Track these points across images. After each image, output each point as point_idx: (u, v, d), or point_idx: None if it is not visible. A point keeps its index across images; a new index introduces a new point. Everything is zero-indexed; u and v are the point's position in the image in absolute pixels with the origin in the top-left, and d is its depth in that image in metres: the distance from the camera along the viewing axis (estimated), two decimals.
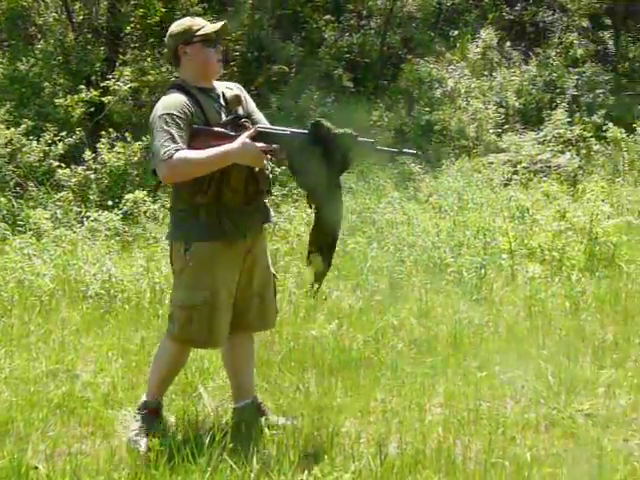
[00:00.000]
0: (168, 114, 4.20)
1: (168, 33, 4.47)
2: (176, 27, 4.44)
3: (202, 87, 4.40)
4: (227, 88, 4.51)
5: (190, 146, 4.17)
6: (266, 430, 4.37)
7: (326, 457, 4.15)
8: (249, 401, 4.66)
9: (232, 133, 4.26)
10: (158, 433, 4.31)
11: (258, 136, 4.23)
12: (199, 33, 4.37)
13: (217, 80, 4.52)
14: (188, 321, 4.35)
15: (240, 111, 4.44)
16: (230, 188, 4.27)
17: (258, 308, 4.57)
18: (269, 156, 4.28)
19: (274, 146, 4.24)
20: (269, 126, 4.44)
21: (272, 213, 4.67)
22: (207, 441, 4.09)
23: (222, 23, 4.47)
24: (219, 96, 4.45)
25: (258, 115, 4.54)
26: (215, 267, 4.32)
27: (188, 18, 4.54)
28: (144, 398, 4.56)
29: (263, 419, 4.58)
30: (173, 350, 4.51)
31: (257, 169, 4.32)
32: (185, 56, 4.41)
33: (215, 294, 4.32)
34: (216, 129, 4.29)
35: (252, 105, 4.58)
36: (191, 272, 4.33)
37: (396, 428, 4.53)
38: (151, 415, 4.49)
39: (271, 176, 4.54)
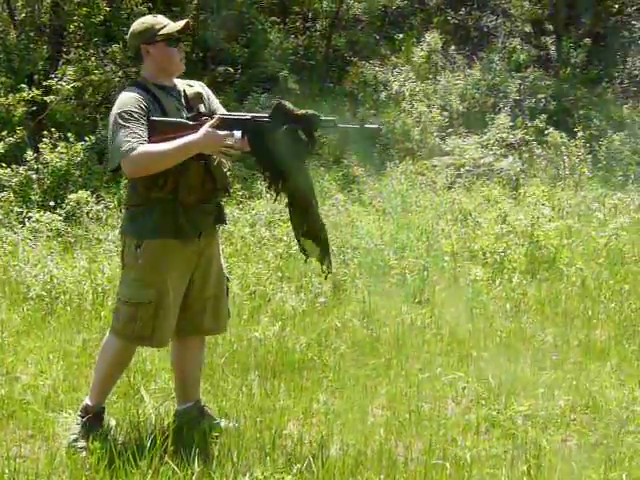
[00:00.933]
0: (125, 111, 4.17)
1: (130, 31, 4.44)
2: (138, 25, 4.41)
3: (162, 85, 4.38)
4: (188, 86, 4.50)
5: (150, 139, 4.14)
6: (208, 432, 4.36)
7: (268, 459, 4.14)
8: (192, 404, 4.64)
9: (191, 123, 4.23)
10: (99, 436, 4.27)
11: (221, 124, 4.21)
12: (161, 32, 4.34)
13: (179, 78, 4.51)
14: (132, 318, 4.31)
15: (202, 108, 4.42)
16: (187, 184, 4.24)
17: (213, 311, 4.56)
18: (232, 150, 4.23)
19: (236, 133, 4.19)
20: (231, 113, 4.40)
21: (226, 216, 4.64)
22: (148, 444, 4.06)
23: (185, 21, 4.45)
24: (180, 94, 4.43)
25: (223, 111, 4.50)
26: (165, 266, 4.29)
27: (150, 16, 4.50)
28: (86, 401, 4.51)
29: (205, 422, 4.56)
30: (117, 346, 4.45)
31: (215, 164, 4.30)
32: (147, 55, 4.38)
33: (162, 293, 4.29)
34: (174, 119, 4.25)
35: (215, 102, 4.57)
36: (140, 269, 4.29)
37: (338, 430, 4.54)
38: (93, 419, 4.43)
39: (229, 174, 4.50)
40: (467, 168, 13.31)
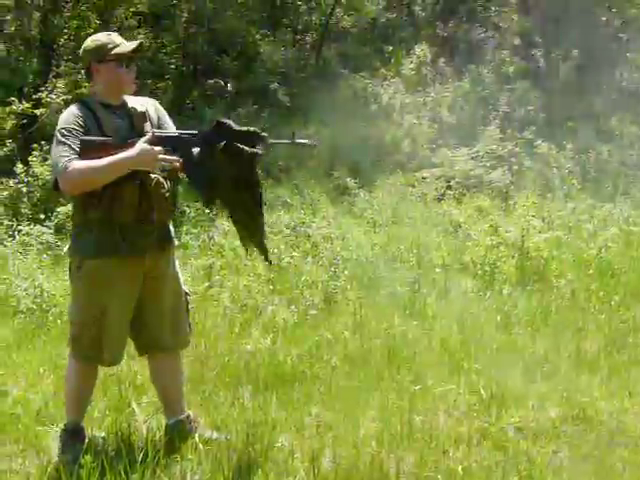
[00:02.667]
0: (64, 128, 4.18)
1: (83, 47, 4.42)
2: (91, 42, 4.39)
3: (108, 104, 4.35)
4: (140, 104, 4.46)
5: (79, 159, 4.12)
6: (200, 445, 4.35)
7: (260, 472, 4.14)
8: (181, 417, 4.64)
9: (115, 142, 4.21)
10: (89, 450, 4.25)
11: (154, 141, 4.22)
12: (113, 52, 4.32)
13: (134, 95, 4.48)
14: (79, 337, 4.35)
15: (147, 128, 4.37)
16: (122, 203, 4.23)
17: (171, 327, 4.56)
18: (168, 165, 4.24)
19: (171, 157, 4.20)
20: (163, 131, 4.40)
21: (173, 235, 4.59)
22: (140, 457, 4.05)
23: (138, 42, 4.46)
24: (126, 113, 4.39)
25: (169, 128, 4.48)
26: (107, 285, 4.29)
27: (104, 34, 4.45)
28: (65, 420, 4.53)
29: (197, 434, 4.55)
30: (74, 367, 4.48)
31: (153, 184, 4.26)
32: (97, 73, 4.36)
33: (105, 313, 4.30)
34: (97, 138, 4.21)
35: (167, 121, 4.53)
36: (82, 289, 4.33)
37: (330, 442, 4.54)
38: (72, 437, 4.43)
39: (169, 194, 4.39)
40: (457, 180, 13.34)
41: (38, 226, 9.57)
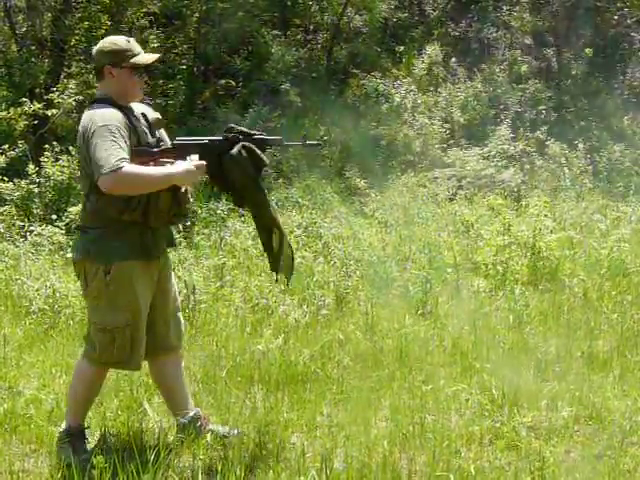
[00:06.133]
0: (112, 125, 4.15)
1: (99, 47, 4.41)
2: (109, 45, 4.38)
3: (125, 106, 4.38)
4: (145, 109, 4.51)
5: None
6: (211, 445, 4.36)
7: (271, 472, 4.14)
8: (191, 415, 4.64)
9: (154, 150, 4.34)
10: (102, 451, 4.26)
11: (179, 150, 4.37)
12: (131, 61, 4.34)
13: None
14: (110, 343, 4.33)
15: (162, 134, 4.50)
16: (157, 209, 4.27)
17: (175, 327, 4.63)
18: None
19: (193, 157, 4.32)
20: (187, 138, 4.52)
21: (174, 237, 4.76)
22: (152, 458, 4.06)
23: (156, 56, 4.50)
24: (141, 117, 4.44)
25: (166, 139, 4.54)
26: (135, 287, 4.32)
27: (124, 39, 4.43)
28: (64, 425, 4.51)
29: (209, 430, 4.57)
30: (91, 373, 4.48)
31: (182, 191, 4.36)
32: (110, 76, 4.36)
33: (136, 314, 4.33)
34: (141, 148, 4.31)
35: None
36: (112, 293, 4.29)
37: (342, 442, 4.54)
38: (77, 439, 4.44)
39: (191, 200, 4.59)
40: (468, 180, 13.32)
41: (50, 227, 9.59)
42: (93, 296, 4.37)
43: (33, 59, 14.54)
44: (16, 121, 12.82)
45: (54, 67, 14.85)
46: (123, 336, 4.30)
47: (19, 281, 7.72)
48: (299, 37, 19.14)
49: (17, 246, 9.07)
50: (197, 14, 17.03)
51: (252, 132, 4.47)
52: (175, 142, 4.41)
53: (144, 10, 15.96)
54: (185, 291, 6.98)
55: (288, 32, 18.89)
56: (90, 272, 4.32)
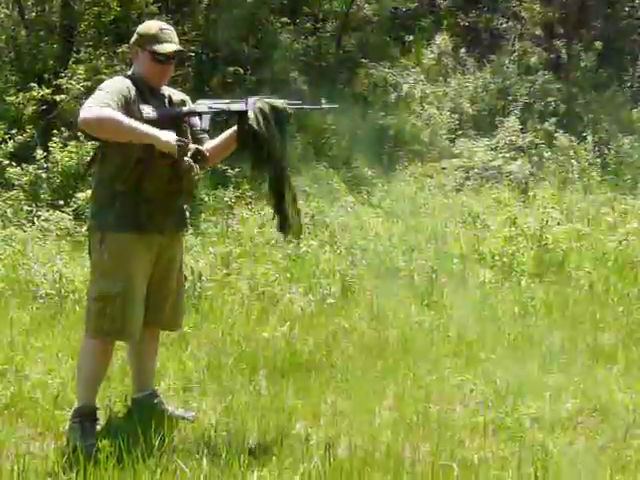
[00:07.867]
0: (112, 89, 4.26)
1: (138, 27, 4.55)
2: (142, 27, 4.54)
3: (150, 86, 4.48)
4: (172, 91, 4.62)
5: None
6: (214, 432, 4.38)
7: (275, 459, 4.16)
8: (148, 392, 4.75)
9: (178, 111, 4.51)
10: (107, 434, 4.28)
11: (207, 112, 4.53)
12: (151, 47, 4.43)
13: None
14: (102, 312, 4.36)
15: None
16: (151, 177, 4.31)
17: (173, 307, 4.68)
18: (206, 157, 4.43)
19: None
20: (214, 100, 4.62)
21: (188, 221, 4.81)
22: (157, 442, 4.08)
23: (174, 47, 4.49)
24: (165, 98, 4.54)
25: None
26: (130, 258, 4.36)
27: (158, 25, 4.55)
28: (76, 405, 4.53)
29: (167, 410, 4.68)
30: (92, 347, 4.49)
31: (185, 166, 4.34)
32: (136, 57, 4.52)
33: (130, 285, 4.36)
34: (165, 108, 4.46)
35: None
36: (107, 262, 4.35)
37: (346, 431, 4.54)
38: (88, 420, 4.44)
39: (197, 179, 4.61)
40: (476, 171, 13.32)
41: (57, 212, 9.62)
42: (92, 266, 4.50)
43: (42, 44, 14.51)
44: (24, 106, 12.83)
45: (63, 52, 14.80)
46: (113, 305, 4.33)
47: (26, 266, 7.75)
48: (308, 25, 19.08)
49: (24, 231, 9.09)
50: (206, 1, 16.99)
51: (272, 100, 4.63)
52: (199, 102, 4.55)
53: None
54: (191, 278, 7.00)
55: (297, 20, 18.85)
56: (92, 242, 4.46)
